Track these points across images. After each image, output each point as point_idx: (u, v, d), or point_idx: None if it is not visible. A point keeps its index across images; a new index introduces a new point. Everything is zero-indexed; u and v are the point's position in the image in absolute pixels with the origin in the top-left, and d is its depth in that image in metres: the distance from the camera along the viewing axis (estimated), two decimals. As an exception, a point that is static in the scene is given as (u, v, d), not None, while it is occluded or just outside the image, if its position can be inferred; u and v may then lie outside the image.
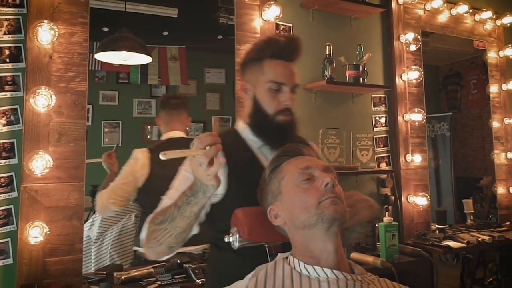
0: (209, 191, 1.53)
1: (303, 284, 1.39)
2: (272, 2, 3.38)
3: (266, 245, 1.89)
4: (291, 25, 3.68)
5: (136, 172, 2.99)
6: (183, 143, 2.51)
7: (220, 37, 3.67)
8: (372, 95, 4.11)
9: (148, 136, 3.52)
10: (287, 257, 1.52)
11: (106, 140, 3.33)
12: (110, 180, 3.03)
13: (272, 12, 3.40)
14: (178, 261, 2.76)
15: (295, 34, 2.08)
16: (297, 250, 1.51)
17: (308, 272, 1.42)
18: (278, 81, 1.89)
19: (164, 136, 3.23)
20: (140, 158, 3.00)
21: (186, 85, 3.62)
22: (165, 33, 3.60)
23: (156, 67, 3.46)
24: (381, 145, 4.11)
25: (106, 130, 3.32)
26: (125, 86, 3.42)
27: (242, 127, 1.99)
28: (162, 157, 1.38)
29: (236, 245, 1.74)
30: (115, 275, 2.59)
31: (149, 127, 3.51)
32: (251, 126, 1.96)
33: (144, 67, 3.41)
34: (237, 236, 1.73)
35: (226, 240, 1.79)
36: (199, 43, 3.75)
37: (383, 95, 4.16)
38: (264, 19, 3.45)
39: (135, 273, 2.62)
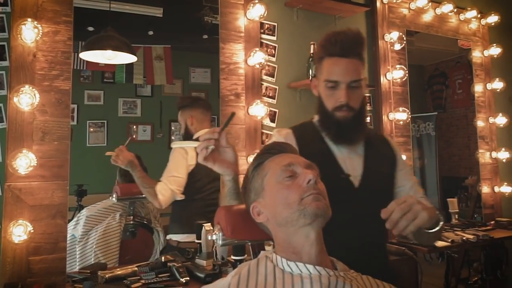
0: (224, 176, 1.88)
1: (285, 281, 1.40)
2: (257, 1, 3.40)
3: (249, 243, 1.93)
4: (276, 24, 3.72)
5: (187, 163, 3.20)
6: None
7: (205, 36, 3.70)
8: (357, 94, 4.10)
9: (134, 136, 3.54)
10: (270, 255, 1.53)
11: (91, 139, 3.35)
12: (142, 174, 3.14)
13: (257, 11, 3.42)
14: (162, 260, 2.79)
15: (354, 28, 2.06)
16: (280, 247, 1.52)
17: (291, 269, 1.44)
18: (332, 79, 2.00)
19: (199, 133, 3.30)
20: (189, 152, 3.19)
21: (172, 85, 3.65)
22: (150, 33, 3.64)
23: (141, 67, 3.49)
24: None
25: (91, 129, 3.34)
26: (110, 85, 3.46)
27: (316, 120, 2.18)
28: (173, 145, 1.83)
29: (219, 243, 1.78)
30: (99, 273, 2.61)
31: (134, 126, 3.53)
32: (318, 121, 2.15)
33: (129, 67, 3.44)
34: (220, 234, 1.77)
35: (209, 238, 1.84)
36: (185, 42, 3.79)
37: (367, 94, 4.19)
38: (248, 18, 3.48)
39: (119, 272, 2.64)
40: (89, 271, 2.70)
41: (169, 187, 3.12)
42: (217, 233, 1.79)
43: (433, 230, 1.74)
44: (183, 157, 3.20)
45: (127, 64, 3.43)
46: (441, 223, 1.76)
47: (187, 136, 3.45)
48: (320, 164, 1.61)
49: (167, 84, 3.61)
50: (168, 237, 3.31)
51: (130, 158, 3.11)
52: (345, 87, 1.98)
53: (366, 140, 2.14)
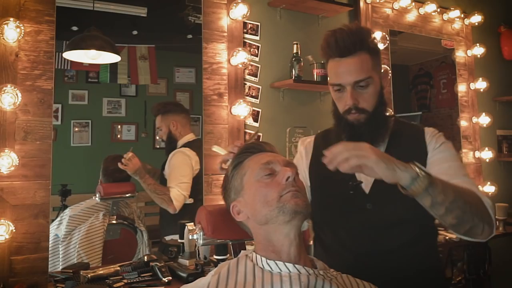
0: None
1: (265, 280, 1.42)
2: (240, 1, 3.43)
3: (230, 243, 1.96)
4: (259, 23, 3.75)
5: (193, 169, 3.40)
6: (199, 143, 3.42)
7: (189, 36, 3.71)
8: (340, 94, 4.13)
9: (119, 136, 3.56)
10: (250, 254, 1.55)
11: (76, 139, 3.37)
12: (151, 181, 3.30)
13: (240, 11, 3.45)
14: (145, 260, 2.81)
15: (352, 24, 1.97)
16: (260, 245, 1.55)
17: (270, 268, 1.46)
18: (336, 82, 1.93)
19: (187, 138, 3.56)
20: (192, 157, 3.41)
21: (156, 85, 3.65)
22: (135, 32, 3.63)
23: (126, 67, 3.49)
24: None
25: (76, 129, 3.35)
26: (95, 85, 3.45)
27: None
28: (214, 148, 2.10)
29: (200, 242, 1.82)
30: (81, 273, 2.62)
31: (119, 126, 3.54)
32: (334, 126, 2.08)
33: (113, 66, 3.44)
34: (201, 233, 1.81)
35: (190, 237, 1.86)
36: (169, 42, 3.79)
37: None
38: (231, 18, 3.50)
39: (102, 272, 2.65)
40: (71, 271, 2.71)
41: (182, 193, 3.29)
42: (198, 232, 1.82)
43: (413, 188, 1.49)
44: (189, 162, 3.38)
45: (111, 64, 3.43)
46: (421, 181, 1.48)
47: (171, 140, 3.52)
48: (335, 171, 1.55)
49: (151, 84, 3.62)
50: (169, 237, 3.34)
51: (137, 167, 3.23)
52: (350, 89, 1.88)
53: (390, 139, 2.00)
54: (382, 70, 1.96)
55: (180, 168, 3.37)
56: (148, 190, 3.26)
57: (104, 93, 3.49)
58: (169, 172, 3.40)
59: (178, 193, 3.27)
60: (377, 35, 4.22)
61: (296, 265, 1.45)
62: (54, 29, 2.82)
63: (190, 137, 3.56)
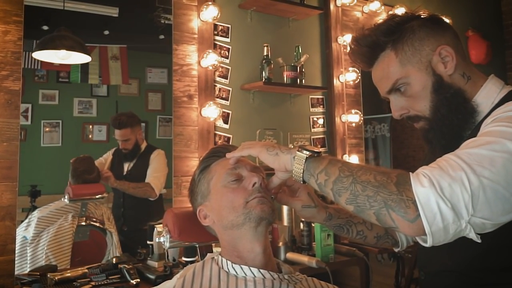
0: None
1: (229, 284, 1.41)
2: (210, 3, 3.42)
3: (197, 245, 1.95)
4: (230, 26, 3.74)
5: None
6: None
7: (162, 37, 3.70)
8: (310, 96, 4.17)
9: (90, 136, 3.52)
10: (216, 257, 1.53)
11: (46, 139, 3.33)
12: (131, 185, 3.63)
13: (210, 13, 3.44)
14: (114, 262, 2.77)
15: (361, 35, 1.58)
16: (225, 249, 1.53)
17: (236, 272, 1.45)
18: (381, 95, 1.61)
19: (144, 144, 3.76)
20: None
21: (128, 85, 3.63)
22: (106, 32, 3.60)
23: (97, 67, 3.46)
24: (319, 146, 4.18)
25: (47, 129, 3.31)
26: (66, 85, 3.42)
27: None
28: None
29: (166, 245, 1.79)
30: (48, 276, 2.58)
31: (90, 126, 3.51)
32: None
33: (84, 66, 3.41)
34: (168, 236, 1.78)
35: (157, 240, 1.84)
36: (141, 42, 3.77)
37: (320, 96, 4.24)
38: (202, 20, 3.49)
39: (69, 274, 2.62)
40: (38, 273, 2.67)
41: (159, 181, 3.60)
42: (164, 235, 1.80)
43: (294, 170, 1.36)
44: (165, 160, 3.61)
45: (82, 64, 3.40)
46: (298, 158, 1.35)
47: (137, 148, 3.66)
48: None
49: (123, 84, 3.60)
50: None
51: (112, 179, 3.52)
52: (392, 98, 1.57)
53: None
54: (437, 52, 1.47)
55: (163, 164, 3.57)
56: (130, 190, 3.60)
57: (75, 93, 3.46)
58: (153, 167, 3.63)
59: (157, 182, 3.59)
60: (347, 38, 4.23)
61: (261, 270, 1.44)
62: (22, 30, 2.77)
63: (145, 143, 3.75)
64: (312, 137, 4.17)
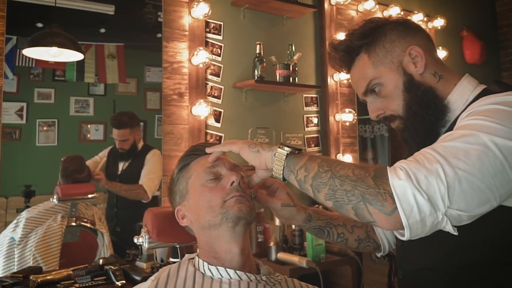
0: None
1: (204, 286, 1.36)
2: (201, 0, 3.33)
3: (177, 246, 1.87)
4: (222, 23, 3.64)
5: None
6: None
7: (159, 35, 3.59)
8: (304, 95, 4.09)
9: (88, 135, 3.43)
10: (193, 258, 1.49)
11: (41, 139, 3.23)
12: (124, 187, 3.51)
13: (201, 10, 3.35)
14: (100, 263, 2.67)
15: (337, 39, 1.63)
16: (202, 250, 1.48)
17: (212, 273, 1.40)
18: (359, 97, 1.64)
19: (141, 144, 3.61)
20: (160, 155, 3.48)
21: (126, 84, 3.54)
22: (103, 30, 3.52)
23: (93, 65, 3.37)
24: (313, 145, 4.11)
25: (45, 128, 3.21)
26: (62, 83, 3.32)
27: None
28: None
29: (145, 246, 1.75)
30: (31, 278, 2.47)
31: (89, 125, 3.41)
32: None
33: (80, 65, 3.31)
34: (147, 236, 1.75)
35: (136, 241, 1.78)
36: (138, 41, 3.69)
37: (315, 95, 4.16)
38: (193, 17, 3.40)
39: (53, 276, 2.51)
40: (21, 275, 2.56)
41: (153, 183, 3.45)
42: (143, 235, 1.76)
43: (275, 167, 1.34)
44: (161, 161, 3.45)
45: (78, 62, 3.30)
46: (278, 155, 1.33)
47: (135, 148, 3.51)
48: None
49: (120, 83, 3.50)
50: None
51: (104, 180, 3.37)
52: (368, 100, 1.58)
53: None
54: (407, 52, 1.50)
55: (158, 165, 3.41)
56: (122, 192, 3.44)
57: (71, 91, 3.36)
58: (148, 167, 3.49)
59: (150, 184, 3.45)
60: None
61: (238, 271, 1.39)
62: (4, 25, 2.69)
63: (142, 142, 3.59)
64: (306, 136, 4.08)
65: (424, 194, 1.08)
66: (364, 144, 4.56)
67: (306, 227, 1.67)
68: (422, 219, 1.10)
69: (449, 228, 1.13)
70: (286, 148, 1.32)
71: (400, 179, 1.11)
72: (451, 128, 1.35)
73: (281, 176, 1.32)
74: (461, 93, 1.46)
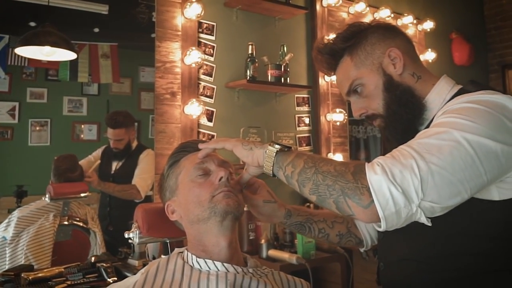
0: None
1: (192, 278, 1.39)
2: (194, 0, 3.31)
3: (167, 241, 1.88)
4: (215, 23, 3.62)
5: None
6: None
7: (153, 35, 3.57)
8: (296, 95, 4.08)
9: (82, 135, 3.40)
10: (182, 252, 1.52)
11: (34, 138, 3.19)
12: (117, 188, 3.49)
13: (194, 10, 3.33)
14: (92, 261, 2.64)
15: (321, 41, 1.68)
16: (191, 244, 1.51)
17: (200, 266, 1.43)
18: (344, 98, 1.70)
19: (135, 143, 3.59)
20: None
21: (120, 84, 3.52)
22: (96, 30, 3.49)
23: (87, 65, 3.34)
24: (304, 144, 4.09)
25: (37, 128, 3.18)
26: (55, 83, 3.29)
27: None
28: None
29: (136, 241, 1.79)
30: (22, 275, 2.44)
31: (82, 125, 3.38)
32: None
33: (74, 64, 3.28)
34: (137, 232, 1.78)
35: (126, 236, 1.82)
36: (133, 41, 3.66)
37: (306, 95, 4.15)
38: (186, 17, 3.38)
39: (44, 273, 2.47)
40: (13, 273, 2.53)
41: (146, 183, 3.44)
42: (134, 231, 1.79)
43: (265, 164, 1.39)
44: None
45: (71, 62, 3.27)
46: (268, 152, 1.38)
47: (129, 148, 3.50)
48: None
49: (113, 82, 3.47)
50: None
51: (97, 181, 3.35)
52: (352, 100, 1.64)
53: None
54: (386, 54, 1.55)
55: (152, 165, 3.39)
56: (115, 193, 3.44)
57: (64, 91, 3.33)
58: (141, 167, 3.47)
59: (143, 183, 3.43)
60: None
61: (225, 264, 1.42)
62: None
63: (136, 142, 3.57)
64: (297, 135, 4.07)
65: (399, 188, 1.14)
66: (358, 144, 4.57)
67: (288, 224, 1.71)
68: (397, 211, 1.15)
69: (423, 219, 1.18)
70: (276, 146, 1.38)
71: (377, 174, 1.17)
72: (429, 126, 1.42)
73: (271, 172, 1.38)
74: (438, 93, 1.52)
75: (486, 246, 1.36)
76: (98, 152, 3.42)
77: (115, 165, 3.46)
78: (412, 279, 1.50)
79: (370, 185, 1.17)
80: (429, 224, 1.19)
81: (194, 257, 1.45)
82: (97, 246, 3.24)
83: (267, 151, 1.38)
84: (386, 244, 1.65)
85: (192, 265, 1.44)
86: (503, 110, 1.28)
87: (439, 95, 1.51)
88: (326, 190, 1.25)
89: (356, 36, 1.61)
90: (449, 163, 1.18)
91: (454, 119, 1.27)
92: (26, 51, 3.07)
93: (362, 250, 1.85)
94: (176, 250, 1.56)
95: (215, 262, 1.42)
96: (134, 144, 3.51)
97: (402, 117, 1.52)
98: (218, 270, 1.41)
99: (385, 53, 1.55)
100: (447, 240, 1.40)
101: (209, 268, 1.42)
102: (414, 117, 1.52)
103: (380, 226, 1.20)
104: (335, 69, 1.67)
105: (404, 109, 1.52)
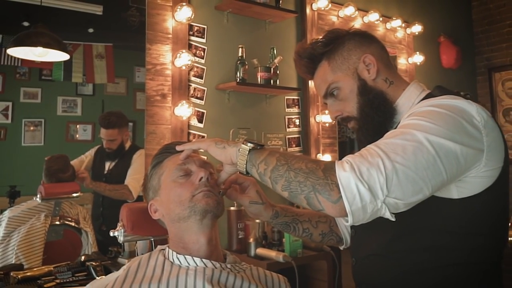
0: None
1: (172, 273, 1.42)
2: (184, 4, 3.30)
3: (152, 239, 1.90)
4: (206, 26, 3.61)
5: None
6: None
7: (147, 37, 3.57)
8: (286, 97, 4.07)
9: (76, 136, 3.38)
10: (164, 249, 1.56)
11: (27, 139, 3.17)
12: (108, 187, 3.47)
13: (184, 13, 3.32)
14: (82, 260, 2.64)
15: (300, 50, 1.73)
16: (172, 241, 1.55)
17: (180, 262, 1.47)
18: (322, 100, 1.79)
19: (128, 144, 3.58)
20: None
21: (115, 84, 3.50)
22: (91, 30, 3.48)
23: (81, 65, 3.33)
24: (294, 145, 4.08)
25: (31, 128, 3.16)
26: (49, 83, 3.27)
27: None
28: None
29: (121, 239, 1.86)
30: (11, 274, 2.43)
31: (77, 125, 3.37)
32: None
33: (68, 64, 3.27)
34: (122, 230, 1.84)
35: (112, 234, 1.84)
36: (128, 41, 3.64)
37: (296, 97, 4.14)
38: (176, 20, 3.37)
39: (33, 272, 2.46)
40: (2, 272, 2.51)
41: (138, 183, 3.30)
42: (119, 229, 1.85)
43: (239, 161, 1.41)
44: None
45: (66, 62, 3.26)
46: (241, 150, 1.40)
47: (122, 148, 3.49)
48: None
49: (108, 83, 3.46)
50: None
51: (89, 180, 3.34)
52: (328, 102, 1.69)
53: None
54: (361, 60, 1.62)
55: (144, 166, 3.37)
56: (106, 192, 3.42)
57: (59, 91, 3.33)
58: (134, 167, 3.47)
59: (135, 184, 3.40)
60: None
61: (204, 260, 1.46)
62: None
63: (129, 142, 3.56)
64: (287, 136, 4.06)
65: (365, 184, 1.19)
66: (351, 145, 4.55)
67: (273, 223, 1.75)
68: (363, 206, 1.20)
69: (387, 215, 1.23)
70: (249, 144, 1.40)
71: (345, 171, 1.22)
72: (396, 127, 1.48)
73: (245, 170, 1.41)
74: (408, 98, 1.59)
75: (446, 240, 1.42)
76: (91, 152, 3.41)
77: (108, 165, 3.44)
78: (380, 273, 1.55)
79: (339, 182, 1.21)
80: (393, 219, 1.24)
81: (174, 253, 1.49)
82: (88, 246, 3.23)
83: (240, 149, 1.41)
84: (357, 240, 1.69)
85: (172, 261, 1.47)
86: (462, 114, 1.34)
87: (408, 100, 1.58)
88: (297, 187, 1.28)
89: (334, 42, 1.67)
90: (413, 162, 1.24)
91: (418, 121, 1.34)
92: (19, 52, 3.05)
93: (341, 247, 1.89)
94: (159, 247, 1.58)
95: (194, 258, 1.46)
96: (128, 144, 3.49)
97: (374, 120, 1.58)
98: (197, 265, 1.44)
99: (360, 59, 1.62)
100: (410, 235, 1.46)
101: (188, 264, 1.45)
102: (385, 119, 1.59)
103: (347, 221, 1.24)
104: (313, 73, 1.72)
105: (376, 112, 1.59)
